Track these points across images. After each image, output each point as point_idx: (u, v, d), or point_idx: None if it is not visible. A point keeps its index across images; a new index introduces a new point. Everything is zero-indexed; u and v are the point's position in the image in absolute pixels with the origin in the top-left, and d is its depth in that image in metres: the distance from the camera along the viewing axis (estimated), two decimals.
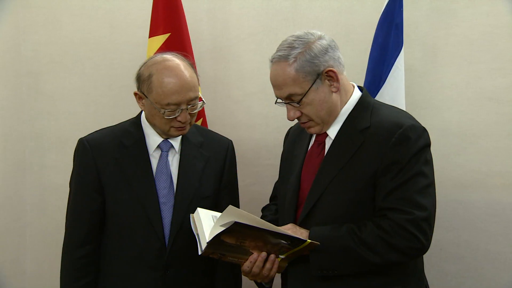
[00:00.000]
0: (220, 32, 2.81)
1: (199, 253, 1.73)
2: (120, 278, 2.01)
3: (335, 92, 1.79)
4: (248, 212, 1.68)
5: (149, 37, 2.60)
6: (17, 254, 3.08)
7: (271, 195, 2.22)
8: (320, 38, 1.78)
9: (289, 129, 2.13)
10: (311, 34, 1.78)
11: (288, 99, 1.79)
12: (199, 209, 1.86)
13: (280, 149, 2.77)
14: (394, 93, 2.33)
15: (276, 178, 2.75)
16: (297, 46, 1.75)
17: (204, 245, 1.71)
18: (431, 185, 1.74)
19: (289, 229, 1.74)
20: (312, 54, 1.74)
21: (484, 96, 2.47)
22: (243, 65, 2.80)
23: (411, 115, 1.82)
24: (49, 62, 3.01)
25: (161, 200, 1.99)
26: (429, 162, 1.75)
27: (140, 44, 2.79)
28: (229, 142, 2.18)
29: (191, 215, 1.89)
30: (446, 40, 2.51)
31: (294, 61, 1.74)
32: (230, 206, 1.73)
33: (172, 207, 1.99)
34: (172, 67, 1.92)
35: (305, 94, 1.76)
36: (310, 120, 1.82)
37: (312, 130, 1.85)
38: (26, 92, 3.04)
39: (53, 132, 3.04)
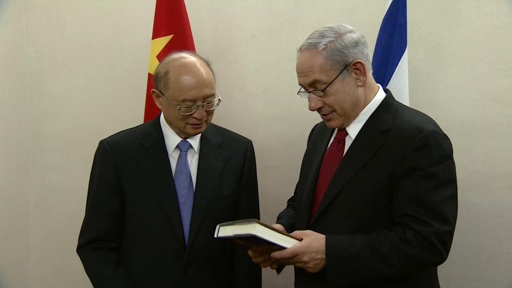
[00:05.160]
0: (222, 33, 2.81)
1: (215, 235, 1.76)
2: (140, 279, 2.01)
3: (361, 86, 1.78)
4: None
5: (152, 38, 2.60)
6: (20, 256, 3.08)
7: (294, 191, 2.20)
8: (351, 31, 1.79)
9: (315, 125, 2.12)
10: (343, 26, 1.80)
11: (312, 87, 1.78)
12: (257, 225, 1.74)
13: (282, 150, 2.79)
14: (398, 93, 2.32)
15: (279, 179, 2.77)
16: (328, 35, 1.76)
17: (218, 233, 1.76)
18: (454, 196, 1.72)
19: (307, 235, 1.72)
20: (343, 44, 1.75)
21: (487, 97, 2.46)
22: (245, 66, 2.80)
23: (434, 121, 1.80)
24: (52, 63, 3.01)
25: (181, 200, 2.00)
26: (453, 172, 1.73)
27: (143, 45, 2.80)
28: (248, 142, 2.19)
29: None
30: (450, 40, 2.50)
31: (324, 48, 1.74)
32: (257, 221, 1.69)
33: (191, 206, 2.00)
34: (188, 64, 1.94)
35: (330, 83, 1.75)
36: (333, 111, 1.80)
37: (333, 123, 1.83)
38: (29, 94, 3.04)
39: (56, 133, 3.04)
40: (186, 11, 2.60)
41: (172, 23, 2.55)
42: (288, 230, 1.92)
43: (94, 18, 2.94)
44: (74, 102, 3.00)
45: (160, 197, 1.98)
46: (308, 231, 1.75)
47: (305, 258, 1.69)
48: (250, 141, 2.20)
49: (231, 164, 2.09)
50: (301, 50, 1.80)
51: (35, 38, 3.01)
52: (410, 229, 1.66)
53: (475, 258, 2.53)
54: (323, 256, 1.69)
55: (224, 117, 2.82)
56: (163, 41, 2.54)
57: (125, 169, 2.01)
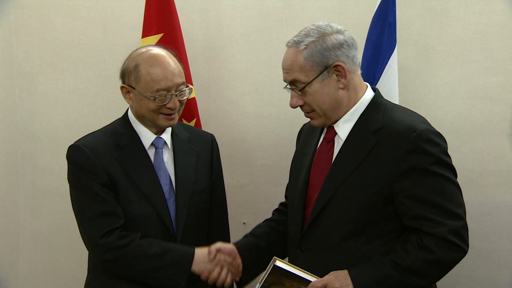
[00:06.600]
0: (213, 32, 2.81)
1: None
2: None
3: (342, 88, 1.76)
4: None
5: (142, 37, 2.59)
6: (10, 256, 3.06)
7: (285, 194, 2.17)
8: (338, 32, 1.77)
9: (303, 125, 2.10)
10: (331, 26, 1.77)
11: (293, 85, 1.79)
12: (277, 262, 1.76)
13: (273, 149, 2.79)
14: (388, 92, 2.32)
15: (271, 178, 2.78)
16: (312, 34, 1.75)
17: None
18: (458, 189, 1.73)
19: (331, 274, 1.70)
20: (324, 45, 1.73)
21: (477, 95, 2.48)
22: (236, 65, 2.80)
23: (424, 119, 1.80)
24: (42, 63, 2.99)
25: (165, 196, 2.00)
26: (451, 166, 1.73)
27: (133, 44, 2.75)
28: (211, 136, 2.22)
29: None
30: (439, 39, 2.51)
31: (305, 48, 1.74)
32: (275, 258, 1.72)
33: (174, 202, 2.00)
34: (157, 55, 1.96)
35: (308, 83, 1.75)
36: (313, 110, 1.80)
37: (314, 122, 1.83)
38: (19, 94, 3.02)
39: (46, 133, 3.03)
40: (176, 10, 2.59)
41: (162, 22, 2.55)
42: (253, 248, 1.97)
43: (84, 17, 2.93)
44: (64, 102, 2.99)
45: (149, 194, 1.97)
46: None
47: (337, 285, 1.67)
48: (213, 135, 2.23)
49: (201, 159, 2.12)
50: (287, 46, 1.81)
51: (24, 38, 2.99)
52: (425, 234, 1.66)
53: (465, 256, 2.54)
54: (351, 285, 1.68)
55: (215, 116, 2.82)
56: (153, 40, 2.53)
57: (110, 169, 1.96)
